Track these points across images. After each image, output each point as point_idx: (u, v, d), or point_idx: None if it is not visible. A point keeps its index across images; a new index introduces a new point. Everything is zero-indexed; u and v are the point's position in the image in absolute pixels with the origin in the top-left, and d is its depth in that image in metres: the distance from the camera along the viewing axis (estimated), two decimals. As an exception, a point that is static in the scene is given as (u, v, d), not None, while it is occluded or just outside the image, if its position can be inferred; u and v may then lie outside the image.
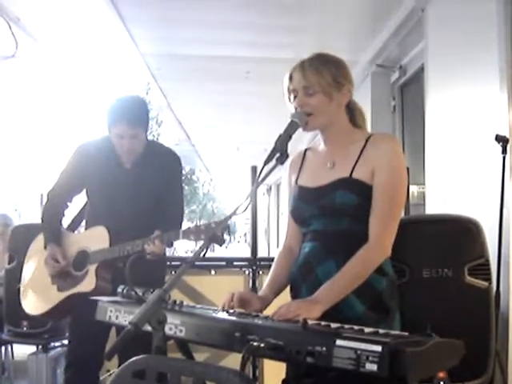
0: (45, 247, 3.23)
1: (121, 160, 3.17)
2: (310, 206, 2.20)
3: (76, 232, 3.42)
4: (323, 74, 2.13)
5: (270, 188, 23.14)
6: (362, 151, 2.16)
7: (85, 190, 3.29)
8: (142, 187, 3.14)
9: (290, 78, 2.18)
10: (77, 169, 3.23)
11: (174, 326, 1.85)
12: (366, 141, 2.18)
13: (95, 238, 3.11)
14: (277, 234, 19.22)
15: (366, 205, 2.10)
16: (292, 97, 2.18)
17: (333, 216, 2.14)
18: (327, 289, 2.00)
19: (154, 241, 2.87)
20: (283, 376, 2.19)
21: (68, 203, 3.34)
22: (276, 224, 20.51)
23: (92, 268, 3.06)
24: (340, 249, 2.11)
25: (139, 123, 3.08)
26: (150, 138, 3.36)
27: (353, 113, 2.28)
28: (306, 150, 2.39)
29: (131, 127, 3.03)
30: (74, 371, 3.17)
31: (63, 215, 3.35)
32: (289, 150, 1.99)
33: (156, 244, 2.87)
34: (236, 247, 42.12)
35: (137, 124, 3.06)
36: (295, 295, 2.21)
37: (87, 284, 3.06)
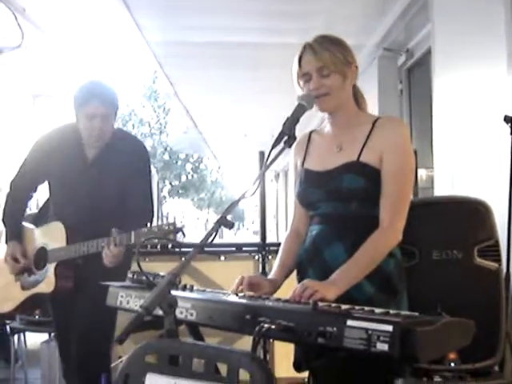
0: (6, 242, 3.16)
1: (84, 151, 3.06)
2: (317, 189, 2.19)
3: (36, 227, 3.26)
4: (335, 53, 2.12)
5: (278, 174, 23.16)
6: (369, 134, 2.15)
7: (47, 182, 3.19)
8: (104, 182, 3.02)
9: (300, 62, 2.16)
10: (38, 161, 3.12)
11: (185, 309, 1.85)
12: (373, 124, 2.17)
13: (53, 235, 3.05)
14: (285, 220, 19.24)
15: (373, 188, 2.10)
16: (302, 81, 2.16)
17: (340, 200, 2.13)
18: (342, 273, 1.99)
19: (109, 246, 2.76)
20: (294, 359, 2.19)
21: (32, 193, 3.27)
22: (284, 210, 20.54)
23: (51, 267, 3.02)
24: (348, 232, 2.12)
25: (111, 104, 2.99)
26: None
27: (356, 95, 2.27)
28: (310, 133, 2.37)
29: (104, 105, 2.94)
30: (72, 374, 3.10)
31: (26, 206, 3.29)
32: (296, 134, 1.99)
33: (111, 249, 2.76)
34: (245, 234, 42.09)
35: (108, 103, 2.97)
36: (302, 278, 2.19)
37: (48, 284, 3.02)
